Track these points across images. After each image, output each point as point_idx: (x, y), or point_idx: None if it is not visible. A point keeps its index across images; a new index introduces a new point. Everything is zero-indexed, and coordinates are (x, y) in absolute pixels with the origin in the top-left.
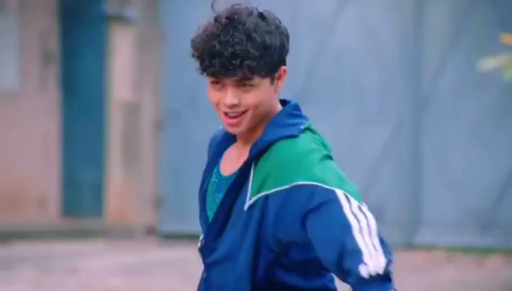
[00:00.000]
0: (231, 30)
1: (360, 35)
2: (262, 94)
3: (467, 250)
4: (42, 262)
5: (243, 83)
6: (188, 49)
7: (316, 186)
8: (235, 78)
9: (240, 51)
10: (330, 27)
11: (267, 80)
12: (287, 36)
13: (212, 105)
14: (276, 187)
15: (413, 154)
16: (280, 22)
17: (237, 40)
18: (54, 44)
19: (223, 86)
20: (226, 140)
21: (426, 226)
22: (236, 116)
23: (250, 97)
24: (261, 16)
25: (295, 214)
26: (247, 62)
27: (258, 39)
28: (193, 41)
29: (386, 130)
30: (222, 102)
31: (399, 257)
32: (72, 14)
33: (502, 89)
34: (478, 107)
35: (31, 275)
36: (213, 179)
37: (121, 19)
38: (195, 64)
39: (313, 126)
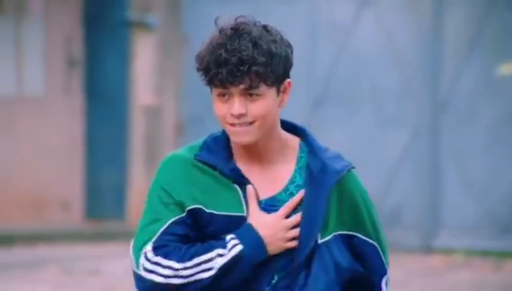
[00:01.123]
0: (237, 39)
1: (379, 40)
2: (269, 104)
3: (485, 253)
4: (65, 263)
5: (249, 93)
6: None
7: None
8: (242, 86)
9: (247, 58)
10: (349, 32)
11: (273, 91)
12: (291, 49)
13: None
14: (354, 231)
15: (431, 157)
16: (283, 36)
17: (243, 47)
18: (78, 49)
19: (230, 97)
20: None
21: (445, 229)
22: (243, 125)
23: (257, 107)
24: (265, 27)
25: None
26: (254, 68)
27: (264, 47)
28: (197, 55)
29: (404, 133)
30: (229, 113)
31: (417, 260)
32: (96, 20)
33: None
34: (496, 111)
35: (55, 276)
36: None
37: (143, 25)
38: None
39: None
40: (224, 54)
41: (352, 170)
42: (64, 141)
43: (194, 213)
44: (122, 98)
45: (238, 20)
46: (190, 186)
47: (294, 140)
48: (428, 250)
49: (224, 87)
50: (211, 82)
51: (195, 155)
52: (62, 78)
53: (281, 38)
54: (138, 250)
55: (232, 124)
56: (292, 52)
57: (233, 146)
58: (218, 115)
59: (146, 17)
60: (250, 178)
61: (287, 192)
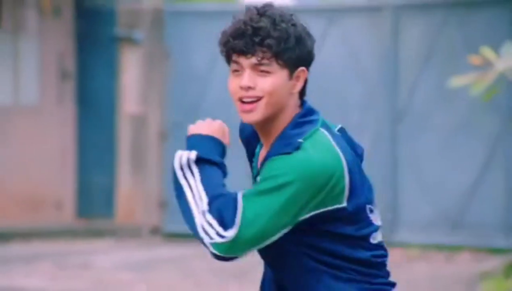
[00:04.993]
0: (258, 16)
1: (343, 56)
2: (278, 83)
3: (438, 247)
4: (58, 258)
5: (261, 69)
6: (190, 67)
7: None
8: (254, 59)
9: (263, 32)
10: (317, 48)
11: (285, 73)
12: (312, 41)
13: (231, 96)
14: None
15: (390, 161)
16: (309, 29)
17: (262, 23)
18: (70, 63)
19: (242, 72)
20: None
21: (402, 226)
22: (251, 103)
23: (266, 82)
24: (292, 15)
25: None
26: (267, 41)
27: (283, 25)
28: (221, 31)
29: (366, 140)
30: (239, 86)
31: None
32: (86, 36)
33: (470, 104)
34: (449, 119)
35: (49, 269)
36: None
37: (130, 41)
38: (197, 80)
39: (318, 132)
40: (242, 27)
41: (287, 153)
42: (57, 147)
43: None
44: (111, 107)
45: (266, 3)
46: None
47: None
48: (387, 244)
49: (238, 62)
50: (228, 55)
51: None
52: (56, 89)
53: (305, 28)
54: None
55: (242, 101)
56: (313, 44)
57: None
58: (230, 91)
59: (133, 33)
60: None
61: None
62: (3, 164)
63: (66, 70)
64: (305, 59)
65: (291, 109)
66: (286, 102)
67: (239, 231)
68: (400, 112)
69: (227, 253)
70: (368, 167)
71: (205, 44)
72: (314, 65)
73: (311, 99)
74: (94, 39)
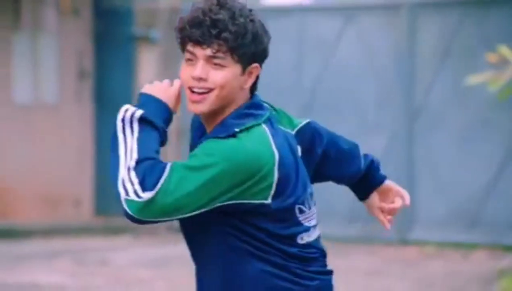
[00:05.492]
0: (218, 7)
1: (360, 54)
2: (230, 77)
3: (455, 245)
4: (77, 255)
5: (214, 62)
6: None
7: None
8: (209, 51)
9: (221, 24)
10: (333, 47)
11: (238, 68)
12: (268, 39)
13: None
14: None
15: (406, 159)
16: (266, 27)
17: (220, 15)
18: (88, 62)
19: (196, 62)
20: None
21: (419, 224)
22: (201, 94)
23: (218, 75)
24: (251, 10)
25: None
26: (224, 34)
27: (241, 20)
28: (180, 17)
29: (383, 139)
30: (191, 76)
31: (394, 252)
32: (104, 36)
33: (486, 102)
34: (464, 118)
35: (68, 266)
36: None
37: (147, 40)
38: None
39: (258, 127)
40: (200, 16)
41: (218, 137)
42: (76, 144)
43: None
44: None
45: None
46: None
47: None
48: (404, 242)
49: (193, 52)
50: (183, 43)
51: None
52: (74, 88)
53: (263, 25)
54: None
55: (192, 91)
56: (269, 41)
57: None
58: (182, 79)
59: (150, 33)
60: None
61: None
62: (23, 161)
63: (84, 69)
64: (260, 56)
65: (239, 104)
66: (236, 97)
67: (156, 196)
68: (416, 110)
69: (137, 213)
70: (384, 165)
71: None
72: (329, 65)
73: (328, 98)
74: (111, 38)
